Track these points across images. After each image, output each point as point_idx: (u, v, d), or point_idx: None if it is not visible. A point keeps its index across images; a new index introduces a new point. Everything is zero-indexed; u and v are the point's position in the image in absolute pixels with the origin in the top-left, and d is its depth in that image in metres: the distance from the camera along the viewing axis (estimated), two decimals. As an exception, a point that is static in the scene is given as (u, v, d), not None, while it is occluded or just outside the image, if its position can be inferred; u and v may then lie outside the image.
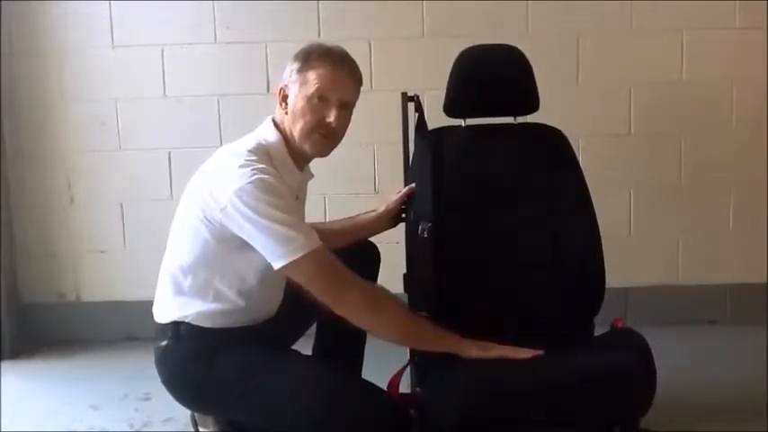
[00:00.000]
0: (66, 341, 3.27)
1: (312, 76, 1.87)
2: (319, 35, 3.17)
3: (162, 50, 3.24)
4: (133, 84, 3.26)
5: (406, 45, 3.22)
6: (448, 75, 2.29)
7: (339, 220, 2.34)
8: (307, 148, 1.90)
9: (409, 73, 3.15)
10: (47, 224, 3.35)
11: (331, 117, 1.87)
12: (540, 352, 1.83)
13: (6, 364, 3.11)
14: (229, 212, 1.75)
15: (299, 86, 1.89)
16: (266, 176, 1.77)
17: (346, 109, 1.92)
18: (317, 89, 1.87)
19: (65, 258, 3.36)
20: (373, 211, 2.30)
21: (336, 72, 1.89)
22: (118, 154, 3.29)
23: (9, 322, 3.21)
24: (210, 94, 3.25)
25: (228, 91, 3.25)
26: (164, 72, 3.25)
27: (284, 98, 1.92)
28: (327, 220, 2.88)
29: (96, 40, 3.23)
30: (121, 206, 3.32)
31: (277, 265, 1.75)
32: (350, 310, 1.79)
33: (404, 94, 2.41)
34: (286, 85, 1.92)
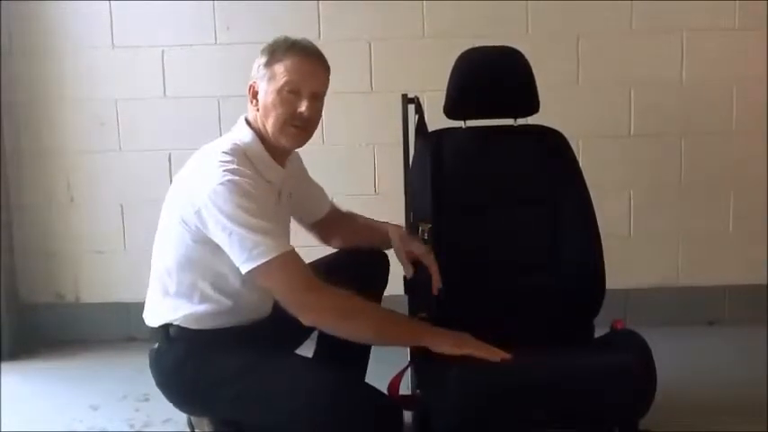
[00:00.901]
0: (66, 342, 3.27)
1: (280, 69, 1.87)
2: (319, 36, 3.16)
3: (162, 51, 3.24)
4: (133, 84, 3.26)
5: (406, 46, 3.22)
6: (448, 76, 2.29)
7: (365, 221, 2.29)
8: (282, 141, 1.89)
9: (409, 74, 3.14)
10: (46, 225, 3.35)
11: (303, 107, 1.86)
12: (509, 356, 1.80)
13: (6, 365, 3.11)
14: (202, 215, 1.77)
15: (267, 81, 1.88)
16: (238, 178, 1.76)
17: (317, 99, 1.91)
18: (287, 81, 1.86)
19: (64, 259, 3.36)
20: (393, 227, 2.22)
21: (304, 63, 1.88)
22: (118, 154, 3.29)
23: (8, 323, 3.20)
24: (211, 95, 3.25)
25: (229, 92, 3.24)
26: (164, 73, 3.25)
27: (254, 95, 1.91)
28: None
29: (96, 40, 3.23)
30: (121, 207, 3.32)
31: (243, 270, 1.76)
32: (314, 317, 1.78)
33: (404, 96, 2.41)
34: (255, 82, 1.91)
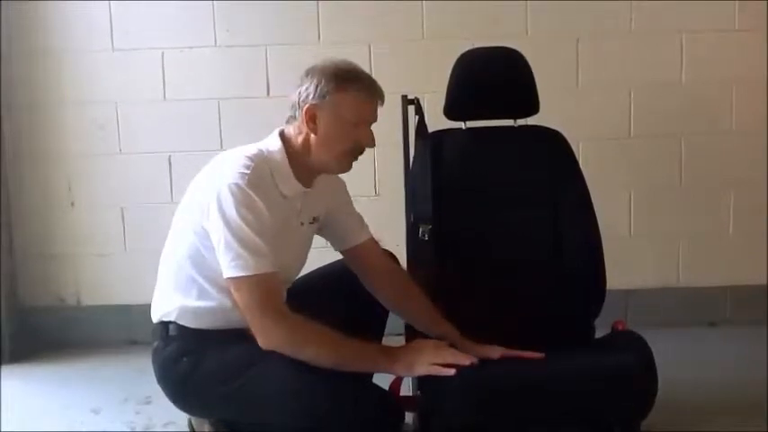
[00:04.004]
0: (67, 345, 3.26)
1: (352, 101, 1.87)
2: (319, 38, 3.17)
3: (162, 53, 3.24)
4: (133, 87, 3.26)
5: (405, 47, 3.22)
6: (448, 77, 2.29)
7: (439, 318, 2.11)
8: (336, 168, 1.94)
9: (409, 75, 3.14)
10: (47, 227, 3.34)
11: (370, 139, 1.90)
12: (475, 360, 1.79)
13: (6, 368, 3.11)
14: (206, 208, 1.80)
15: (334, 108, 1.86)
16: (248, 186, 1.78)
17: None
18: (360, 116, 1.88)
19: (65, 262, 3.36)
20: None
21: (373, 97, 1.91)
22: (118, 157, 3.29)
23: (9, 326, 3.20)
24: (210, 97, 3.25)
25: (229, 94, 3.25)
26: (164, 75, 3.25)
27: (312, 118, 1.87)
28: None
29: (96, 42, 3.23)
30: (122, 210, 3.31)
31: (224, 275, 1.79)
32: (269, 343, 1.78)
33: (404, 97, 2.41)
34: (316, 105, 1.87)
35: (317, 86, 1.87)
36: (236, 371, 1.82)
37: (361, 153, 1.92)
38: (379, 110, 1.95)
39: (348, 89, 1.87)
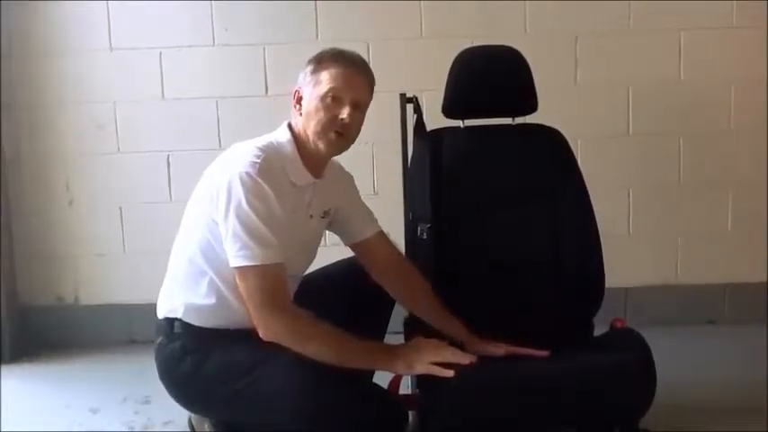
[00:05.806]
0: (66, 344, 3.26)
1: (325, 76, 1.90)
2: (317, 37, 3.17)
3: (160, 53, 3.23)
4: (132, 86, 3.26)
5: (404, 46, 3.22)
6: (446, 76, 2.29)
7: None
8: (321, 146, 1.91)
9: (408, 74, 3.14)
10: (46, 227, 3.34)
11: (344, 114, 1.89)
12: (474, 359, 1.79)
13: (6, 368, 3.10)
14: (215, 202, 1.82)
15: (312, 87, 1.91)
16: (259, 176, 1.79)
17: (359, 109, 1.93)
18: (331, 88, 1.89)
19: (64, 261, 3.35)
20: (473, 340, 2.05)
21: (349, 72, 1.91)
22: (117, 157, 3.29)
23: (8, 325, 3.20)
24: (209, 96, 3.25)
25: (227, 93, 3.25)
26: (162, 74, 3.24)
27: (299, 100, 1.94)
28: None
29: (95, 42, 3.23)
30: (120, 209, 3.31)
31: (230, 264, 1.80)
32: (270, 336, 1.78)
33: (402, 96, 2.41)
34: (300, 88, 1.94)
35: (304, 71, 1.94)
36: (238, 372, 1.82)
37: (343, 129, 1.90)
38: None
39: (324, 66, 1.91)
